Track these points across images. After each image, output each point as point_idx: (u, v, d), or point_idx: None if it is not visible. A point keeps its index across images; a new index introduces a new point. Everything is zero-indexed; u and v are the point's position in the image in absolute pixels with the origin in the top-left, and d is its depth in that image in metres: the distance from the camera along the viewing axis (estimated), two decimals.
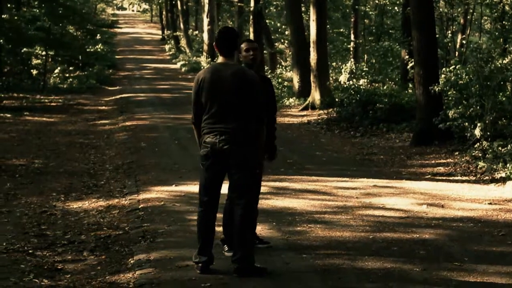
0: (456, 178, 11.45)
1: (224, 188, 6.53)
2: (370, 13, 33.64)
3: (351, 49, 30.77)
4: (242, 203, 6.32)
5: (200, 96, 6.37)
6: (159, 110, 22.08)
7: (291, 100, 23.85)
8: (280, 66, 35.97)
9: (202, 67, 36.15)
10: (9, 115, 21.02)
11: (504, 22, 22.38)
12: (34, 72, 31.78)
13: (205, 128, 6.36)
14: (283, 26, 35.79)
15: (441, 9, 25.02)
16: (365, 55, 28.38)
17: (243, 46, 6.94)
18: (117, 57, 45.01)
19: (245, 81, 6.25)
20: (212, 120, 6.31)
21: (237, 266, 6.32)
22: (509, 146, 11.88)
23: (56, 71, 33.36)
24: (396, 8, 32.33)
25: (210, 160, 6.36)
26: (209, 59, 36.26)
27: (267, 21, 33.88)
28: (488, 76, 13.63)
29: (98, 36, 43.28)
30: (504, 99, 13.69)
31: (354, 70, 24.53)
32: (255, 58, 6.89)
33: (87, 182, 11.69)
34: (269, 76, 26.68)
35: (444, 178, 11.49)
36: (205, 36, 38.60)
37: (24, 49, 29.96)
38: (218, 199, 6.55)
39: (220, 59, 6.45)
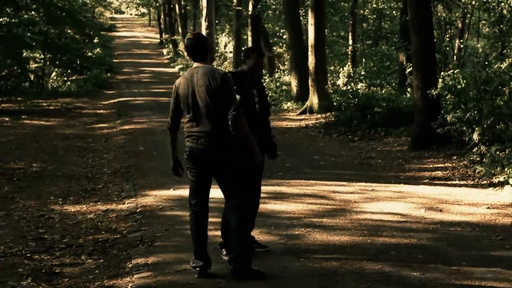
0: (454, 182, 11.45)
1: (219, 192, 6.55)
2: (369, 17, 33.67)
3: (349, 53, 30.80)
4: (233, 206, 6.35)
5: (178, 102, 6.42)
6: (157, 114, 22.06)
7: (289, 104, 23.86)
8: (278, 70, 35.98)
9: None
10: (7, 119, 21.01)
11: (501, 26, 22.41)
12: (32, 76, 31.77)
13: (185, 132, 6.42)
14: (281, 30, 35.75)
15: (439, 13, 25.04)
16: (363, 59, 28.41)
17: (252, 56, 7.03)
18: (115, 60, 45.01)
19: (214, 82, 6.24)
20: (190, 124, 6.37)
21: (233, 267, 6.34)
22: (507, 150, 11.89)
23: (53, 74, 33.36)
24: (394, 12, 32.35)
25: (191, 164, 6.40)
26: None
27: (265, 25, 33.88)
28: (486, 80, 13.65)
29: (96, 40, 43.26)
30: (501, 103, 13.70)
31: (352, 74, 24.56)
32: (256, 69, 7.04)
33: (85, 186, 11.68)
34: (267, 80, 26.77)
35: (442, 182, 11.49)
36: None
37: (23, 52, 29.96)
38: (206, 203, 6.54)
39: (194, 65, 6.49)
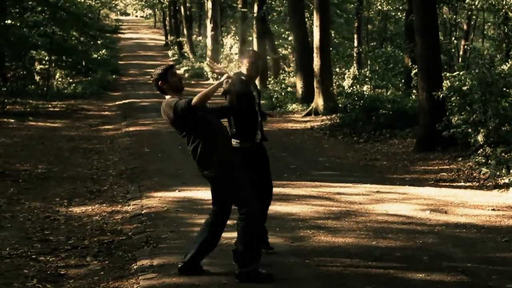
0: (459, 184, 11.44)
1: None
2: (373, 19, 33.65)
3: (354, 54, 30.78)
4: (241, 217, 6.38)
5: None
6: (162, 116, 22.04)
7: (294, 105, 23.84)
8: (284, 72, 35.97)
9: (205, 73, 36.17)
10: (12, 121, 21.06)
11: (504, 27, 22.40)
12: (38, 77, 31.83)
13: None
14: (287, 32, 35.75)
15: (444, 15, 25.03)
16: (368, 61, 28.39)
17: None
18: (120, 62, 45.07)
19: (169, 114, 6.69)
20: None
21: (238, 272, 6.34)
22: None
23: (58, 76, 33.42)
24: (399, 14, 32.34)
25: None
26: None
27: (270, 26, 33.88)
28: (491, 82, 13.63)
29: (99, 41, 43.30)
30: (507, 105, 13.68)
31: (357, 76, 24.54)
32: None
33: (90, 187, 11.70)
34: (272, 82, 26.77)
35: (447, 184, 11.48)
36: (209, 41, 38.60)
37: (30, 53, 30.02)
38: (222, 211, 6.61)
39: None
